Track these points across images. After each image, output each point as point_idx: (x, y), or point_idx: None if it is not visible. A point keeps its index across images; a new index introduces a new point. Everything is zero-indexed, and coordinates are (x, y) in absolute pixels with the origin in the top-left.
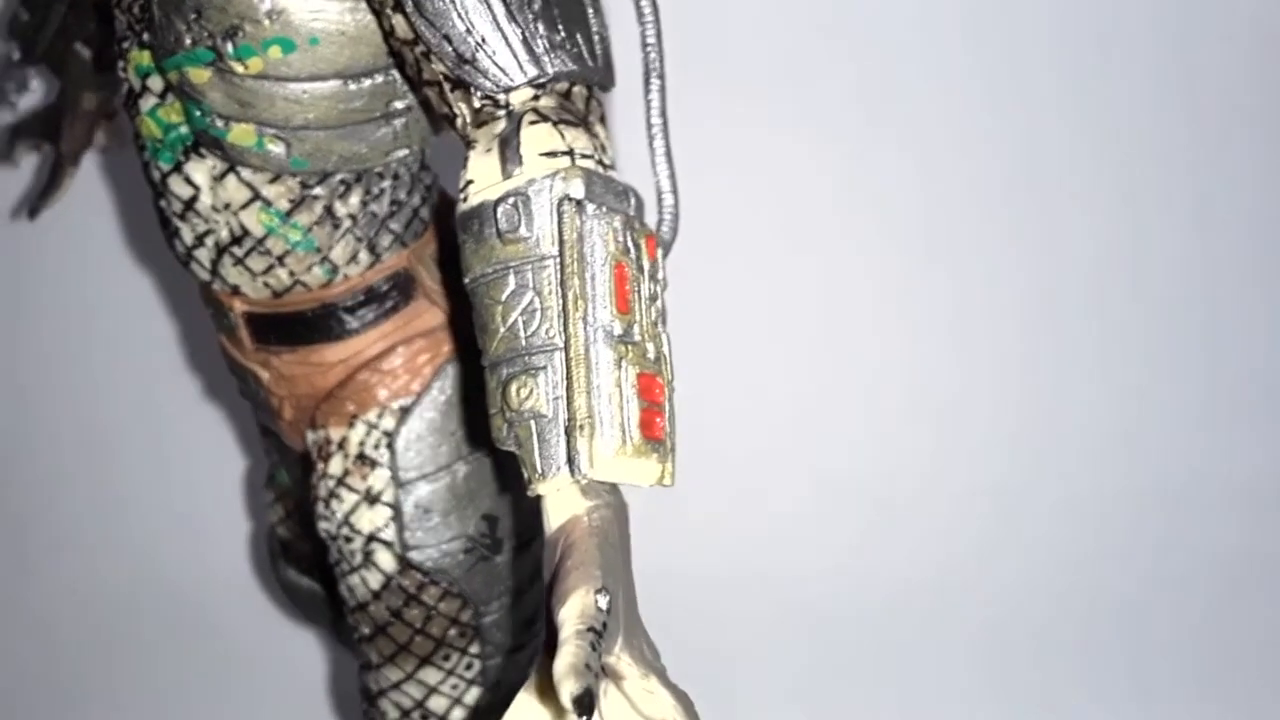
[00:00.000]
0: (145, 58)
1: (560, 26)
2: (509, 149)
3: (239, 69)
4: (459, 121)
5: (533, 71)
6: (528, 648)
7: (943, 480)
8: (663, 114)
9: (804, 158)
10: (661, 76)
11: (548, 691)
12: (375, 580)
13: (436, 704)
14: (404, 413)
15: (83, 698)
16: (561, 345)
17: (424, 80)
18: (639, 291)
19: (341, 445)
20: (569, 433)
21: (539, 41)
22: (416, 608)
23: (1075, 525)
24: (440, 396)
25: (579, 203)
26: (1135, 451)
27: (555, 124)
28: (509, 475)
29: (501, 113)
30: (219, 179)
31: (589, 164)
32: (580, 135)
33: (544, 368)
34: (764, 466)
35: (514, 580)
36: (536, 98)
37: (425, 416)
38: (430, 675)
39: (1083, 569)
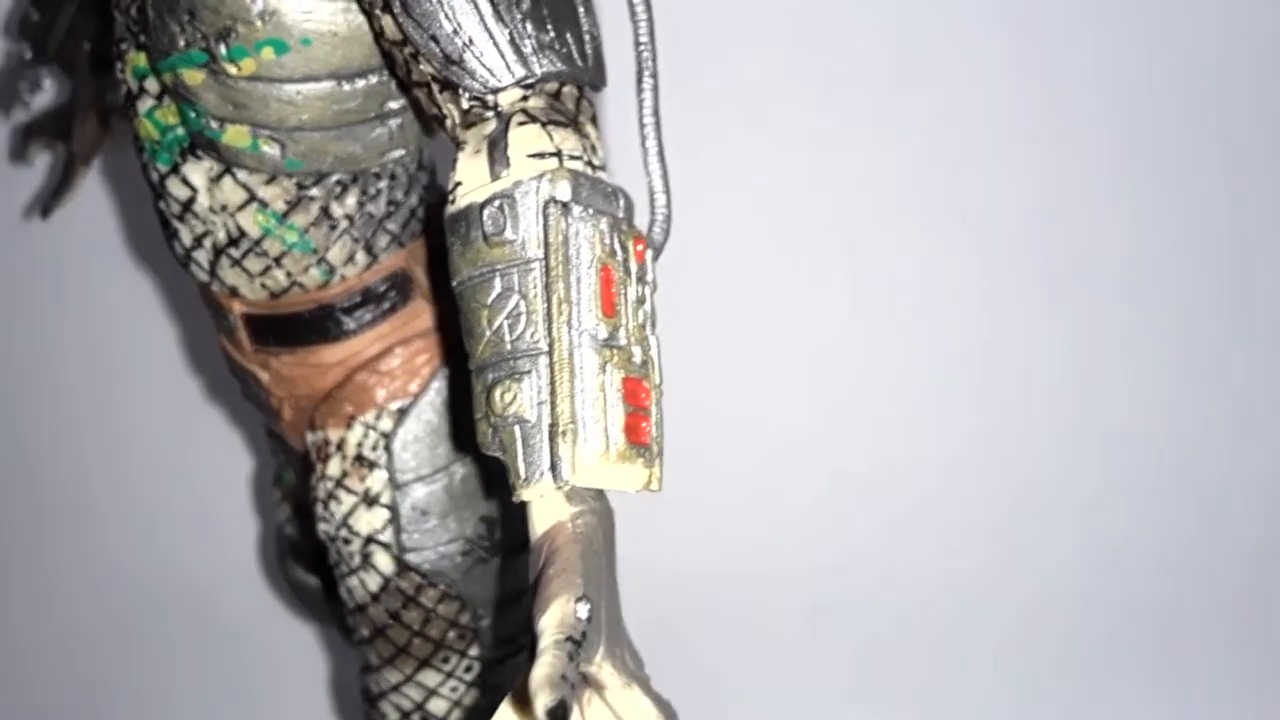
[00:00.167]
0: (142, 59)
1: (549, 26)
2: (497, 150)
3: (232, 70)
4: (448, 123)
5: (520, 72)
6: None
7: (964, 479)
8: (655, 113)
9: (803, 156)
10: (654, 75)
11: (528, 702)
12: (374, 582)
13: (436, 706)
14: (401, 414)
15: (90, 694)
16: (546, 349)
17: (413, 81)
18: (625, 295)
19: (340, 446)
20: (552, 438)
21: (527, 42)
22: (415, 610)
23: (1099, 525)
24: (438, 398)
25: (565, 205)
26: (1164, 450)
27: (544, 125)
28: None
29: (490, 114)
30: (216, 180)
31: (577, 165)
32: (569, 136)
33: (529, 372)
34: (781, 467)
35: (513, 583)
36: (525, 98)
37: (423, 418)
38: (429, 678)
39: (1101, 569)
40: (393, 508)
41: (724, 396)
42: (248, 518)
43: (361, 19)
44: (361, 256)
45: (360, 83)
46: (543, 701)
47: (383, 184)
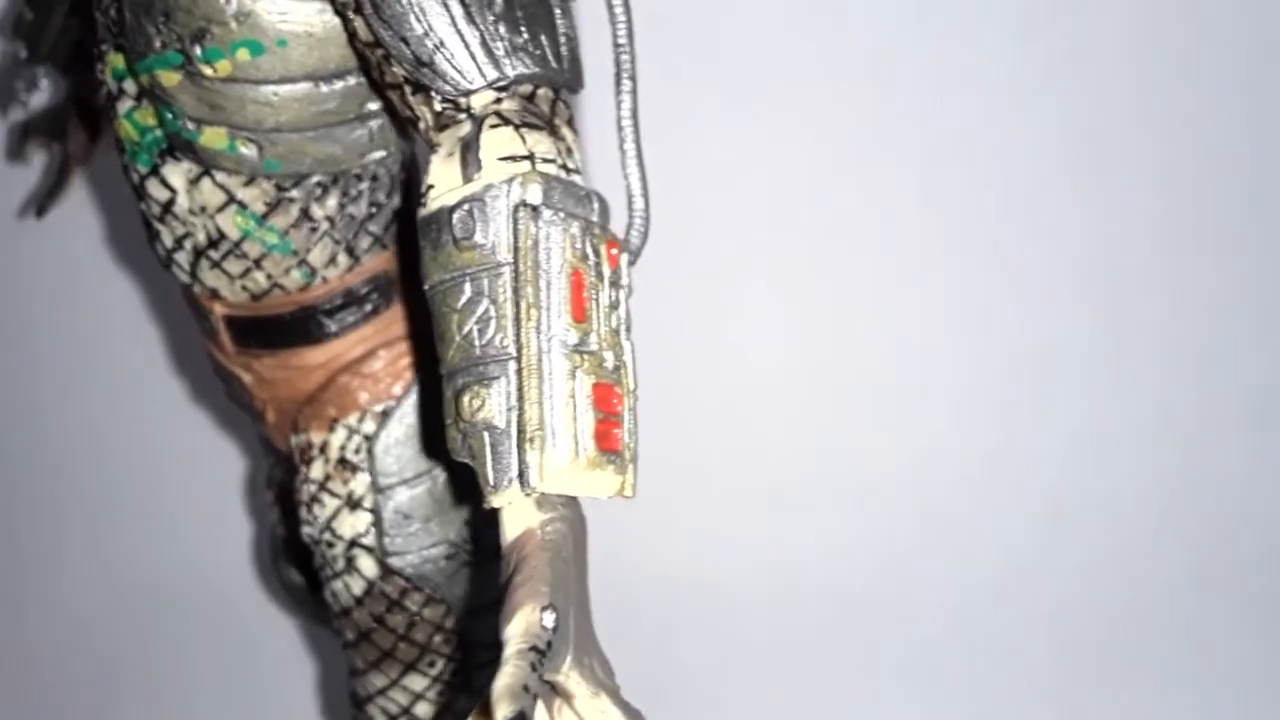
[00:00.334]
0: (120, 61)
1: (523, 28)
2: (469, 153)
3: (208, 72)
4: (422, 125)
5: (492, 74)
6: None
7: (976, 481)
8: (633, 115)
9: (792, 157)
10: (633, 78)
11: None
12: (358, 586)
13: (423, 710)
14: (384, 417)
15: (72, 694)
16: (515, 355)
17: (387, 84)
18: (597, 299)
19: (323, 449)
20: (519, 445)
21: (499, 44)
22: (399, 614)
23: (1103, 526)
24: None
25: (535, 209)
26: (1189, 450)
27: (518, 128)
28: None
29: (463, 116)
30: (194, 182)
31: (551, 168)
32: (543, 139)
33: (498, 378)
34: (786, 469)
35: (500, 587)
36: (499, 101)
37: (405, 421)
38: (415, 682)
39: (1105, 570)
40: (375, 511)
41: (732, 399)
42: (233, 519)
43: (337, 20)
44: (343, 259)
45: (338, 84)
46: (502, 712)
47: (364, 186)
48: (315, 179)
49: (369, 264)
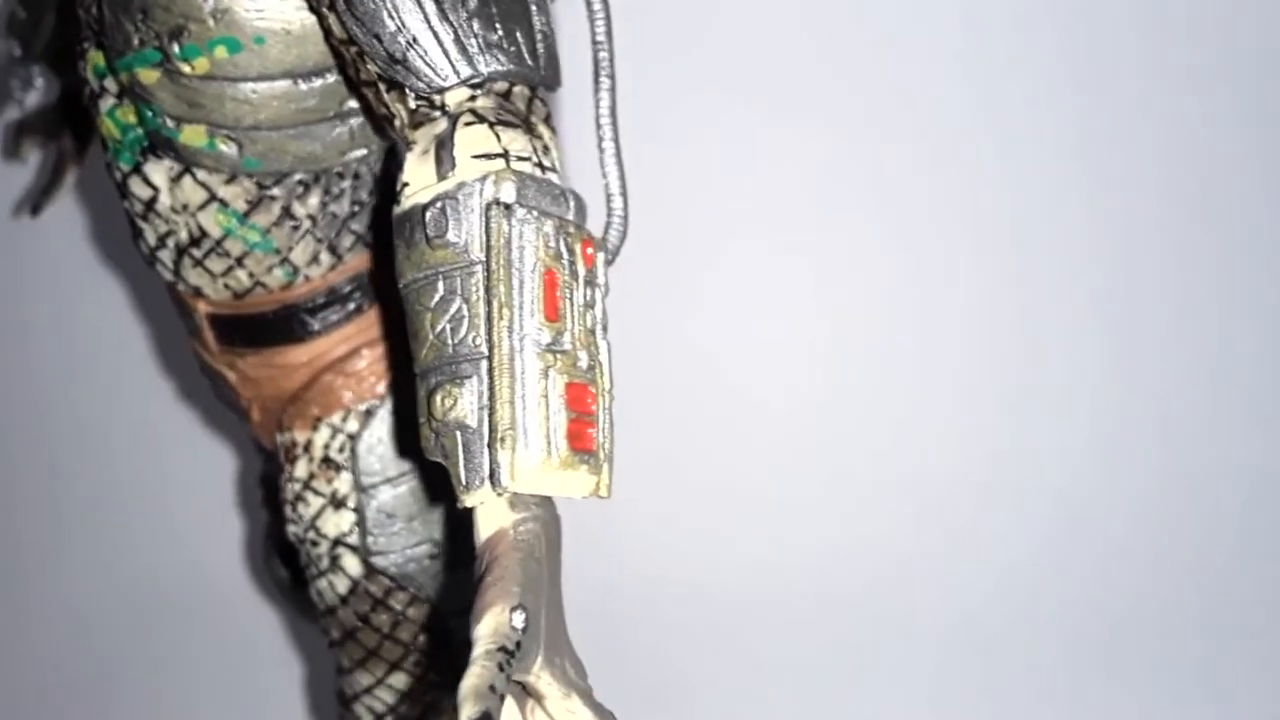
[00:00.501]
0: (101, 59)
1: (498, 25)
2: (444, 151)
3: (186, 69)
4: (397, 123)
5: (466, 71)
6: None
7: (970, 481)
8: (612, 113)
9: (777, 155)
10: (611, 75)
11: None
12: (342, 585)
13: (408, 709)
14: (368, 416)
15: (60, 693)
16: (487, 354)
17: (362, 81)
18: (571, 299)
19: (307, 448)
20: (490, 444)
21: (473, 41)
22: (384, 613)
23: (1105, 526)
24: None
25: (508, 207)
26: (1191, 448)
27: (492, 125)
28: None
29: (438, 114)
30: (176, 180)
31: (525, 166)
32: (518, 137)
33: (470, 377)
34: (786, 469)
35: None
36: (474, 98)
37: (389, 420)
38: (401, 681)
39: (1107, 572)
40: (359, 510)
41: (725, 398)
42: (221, 518)
43: (316, 18)
44: (325, 257)
45: (317, 81)
46: (467, 712)
47: (346, 184)
48: (297, 177)
49: (352, 263)
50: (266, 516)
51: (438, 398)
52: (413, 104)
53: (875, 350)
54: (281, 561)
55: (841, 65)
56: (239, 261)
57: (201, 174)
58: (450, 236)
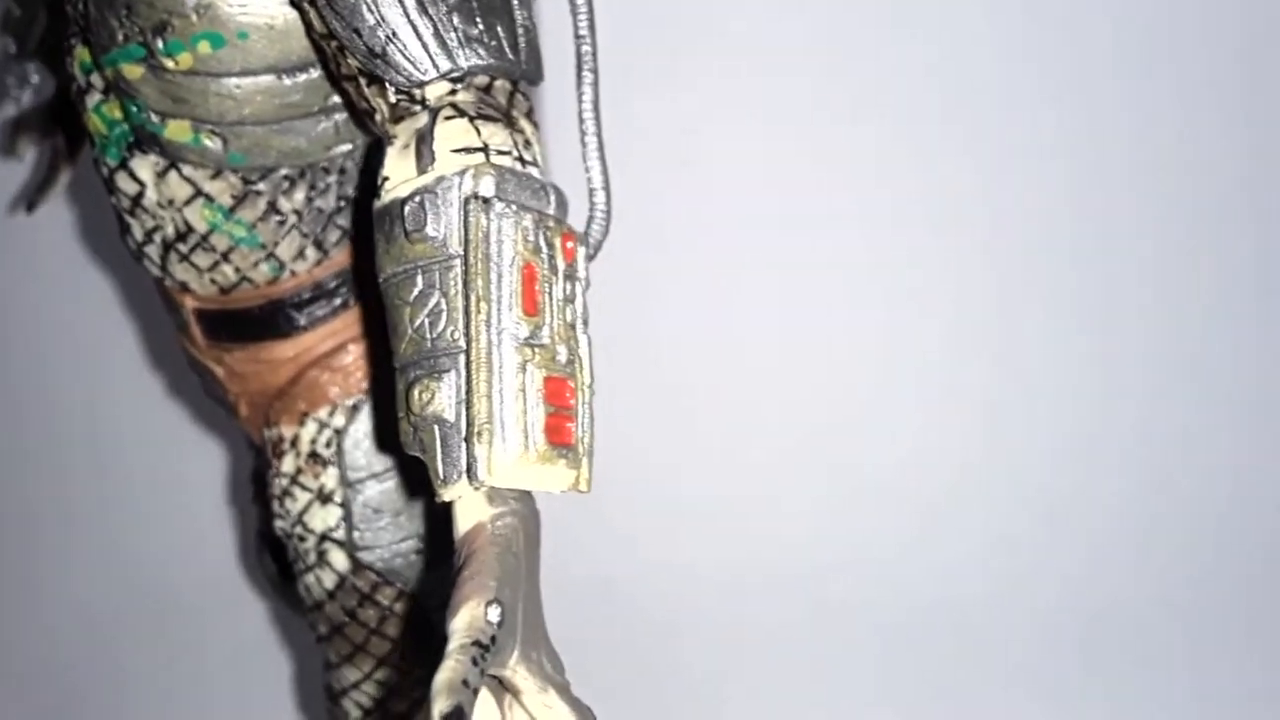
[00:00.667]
0: (87, 54)
1: (478, 19)
2: (424, 145)
3: (170, 65)
4: (378, 117)
5: (445, 65)
6: None
7: (971, 481)
8: (595, 108)
9: (763, 150)
10: (594, 70)
11: None
12: (329, 580)
13: (397, 705)
14: (354, 411)
15: (51, 692)
16: (465, 348)
17: (343, 75)
18: (550, 293)
19: (294, 443)
20: (468, 439)
21: (452, 35)
22: (371, 608)
23: (1107, 527)
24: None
25: (487, 201)
26: (1179, 453)
27: (473, 119)
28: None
29: (419, 108)
30: (162, 175)
31: (505, 160)
32: (499, 131)
33: (448, 371)
34: (787, 469)
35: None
36: (454, 92)
37: (374, 415)
38: (389, 675)
39: (1110, 572)
40: (345, 505)
41: (708, 393)
42: (208, 514)
43: (297, 12)
44: (312, 252)
45: (301, 76)
46: (439, 706)
47: (332, 179)
48: (282, 172)
49: (338, 258)
50: (257, 512)
51: (416, 392)
52: (393, 98)
53: (857, 349)
54: (271, 557)
55: (825, 61)
56: (225, 256)
57: (187, 169)
58: (429, 230)
